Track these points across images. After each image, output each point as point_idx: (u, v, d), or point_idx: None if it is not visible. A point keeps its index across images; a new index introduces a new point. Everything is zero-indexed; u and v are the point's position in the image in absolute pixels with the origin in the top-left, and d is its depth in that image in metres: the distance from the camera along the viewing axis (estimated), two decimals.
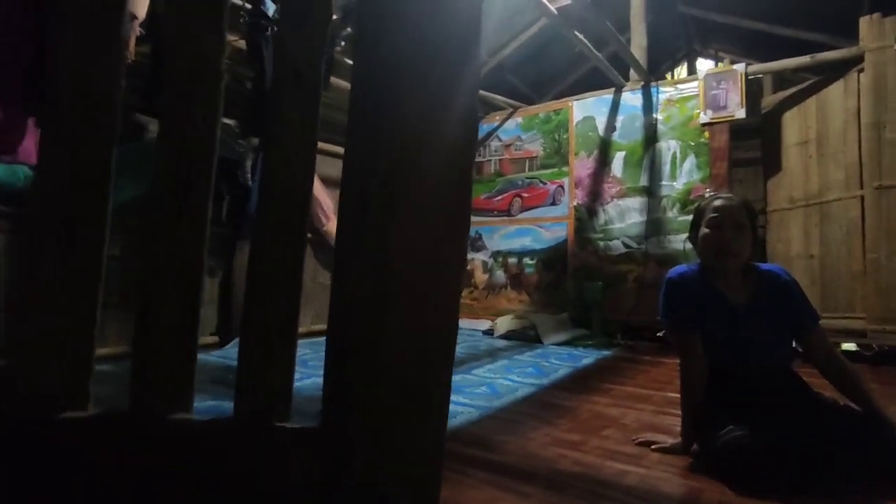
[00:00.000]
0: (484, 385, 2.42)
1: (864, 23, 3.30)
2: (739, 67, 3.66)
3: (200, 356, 2.24)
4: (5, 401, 0.52)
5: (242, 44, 2.96)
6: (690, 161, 3.84)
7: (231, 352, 3.12)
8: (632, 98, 4.15)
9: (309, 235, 3.79)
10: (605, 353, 3.47)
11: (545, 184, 4.57)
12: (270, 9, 3.00)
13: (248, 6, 2.82)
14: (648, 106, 4.05)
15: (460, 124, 0.59)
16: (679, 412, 1.86)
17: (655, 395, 2.31)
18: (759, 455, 1.27)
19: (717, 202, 1.54)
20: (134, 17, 1.99)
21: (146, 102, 2.66)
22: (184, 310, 0.59)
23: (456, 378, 2.55)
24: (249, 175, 3.45)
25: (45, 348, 0.49)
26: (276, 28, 3.01)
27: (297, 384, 2.47)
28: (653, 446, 1.58)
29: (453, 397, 2.16)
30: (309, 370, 2.62)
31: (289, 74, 0.53)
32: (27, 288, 0.51)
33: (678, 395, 1.94)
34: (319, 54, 0.55)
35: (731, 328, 1.51)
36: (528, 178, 4.69)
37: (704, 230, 1.54)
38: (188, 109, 0.52)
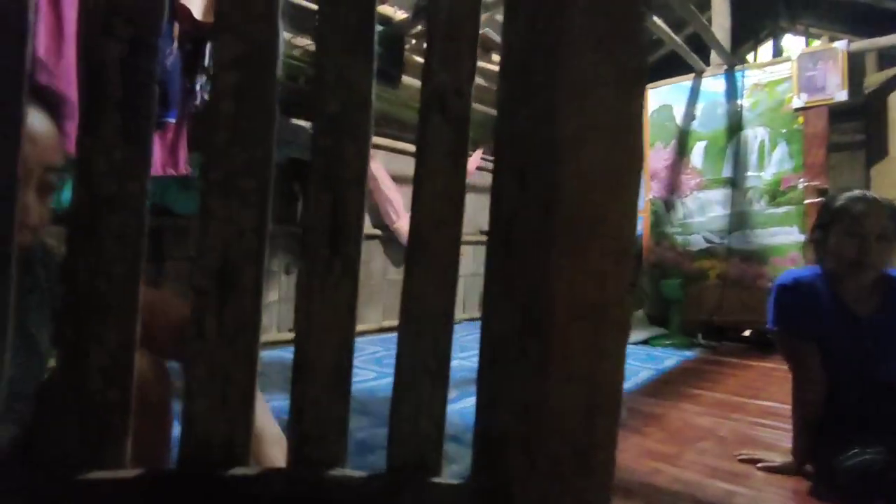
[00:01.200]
0: None
1: None
2: (840, 45, 3.34)
3: (279, 352, 2.30)
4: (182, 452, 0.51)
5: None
6: (781, 149, 3.56)
7: None
8: (713, 84, 3.90)
9: (379, 232, 3.86)
10: (687, 354, 3.31)
11: None
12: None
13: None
14: (732, 92, 3.78)
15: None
16: (783, 426, 1.74)
17: (750, 403, 2.17)
18: (890, 482, 1.15)
19: (860, 207, 1.35)
20: None
21: None
22: (340, 359, 0.54)
23: None
24: None
25: (213, 401, 0.49)
26: None
27: (373, 383, 2.51)
28: (759, 464, 1.47)
29: None
30: (384, 369, 2.65)
31: (435, 102, 0.50)
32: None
33: (774, 404, 1.81)
34: (469, 80, 0.51)
35: (854, 341, 1.37)
36: None
37: (842, 237, 1.36)
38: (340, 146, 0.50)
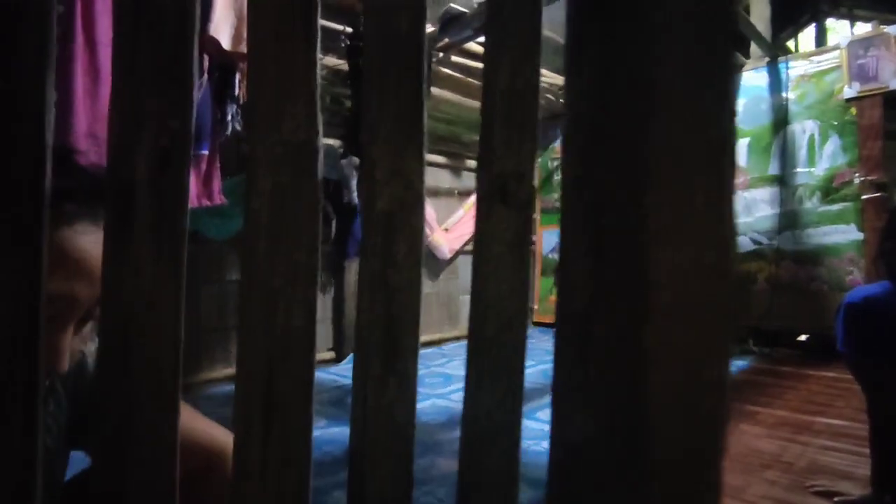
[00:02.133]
0: None
1: None
2: (893, 30, 3.13)
3: (318, 373, 2.28)
4: None
5: (343, 66, 3.02)
6: (833, 142, 3.35)
7: (346, 368, 3.21)
8: (755, 77, 3.71)
9: None
10: (740, 363, 3.14)
11: None
12: None
13: (349, 30, 2.86)
14: (777, 84, 3.59)
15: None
16: (856, 449, 1.61)
17: (815, 421, 2.02)
18: None
19: None
20: None
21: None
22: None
23: None
24: (355, 194, 3.53)
25: None
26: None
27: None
28: (836, 499, 1.35)
29: None
30: (424, 389, 2.60)
31: (496, 191, 0.45)
32: None
33: (844, 423, 1.68)
34: (532, 161, 0.45)
35: None
36: None
37: None
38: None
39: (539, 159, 5.07)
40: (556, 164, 4.97)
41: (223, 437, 0.63)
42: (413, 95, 0.46)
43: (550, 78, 4.30)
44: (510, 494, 0.46)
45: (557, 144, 4.94)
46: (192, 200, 2.02)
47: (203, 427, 0.65)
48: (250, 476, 0.43)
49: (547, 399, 2.25)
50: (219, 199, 2.04)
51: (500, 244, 0.43)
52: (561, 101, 4.64)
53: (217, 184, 2.04)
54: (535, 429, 1.95)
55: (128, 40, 0.43)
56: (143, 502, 0.42)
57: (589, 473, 0.42)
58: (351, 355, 2.65)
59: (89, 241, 0.49)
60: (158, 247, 0.42)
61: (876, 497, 1.31)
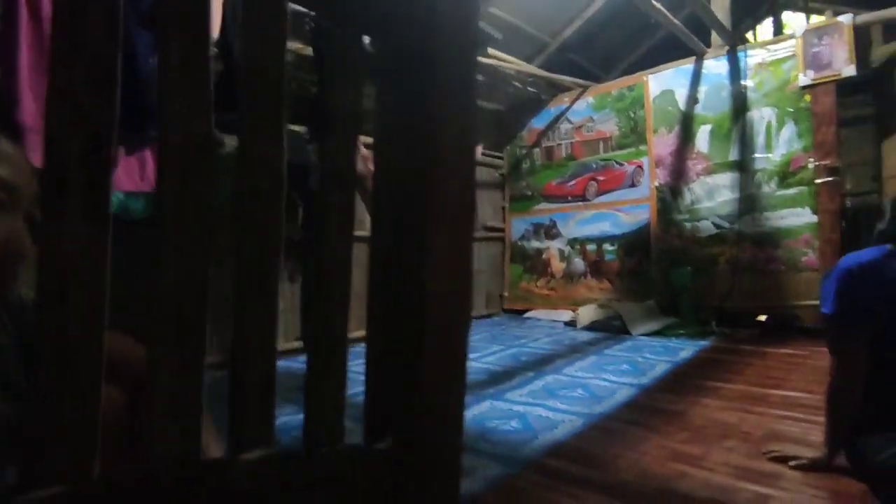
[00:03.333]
0: (579, 387, 2.30)
1: None
2: (845, 19, 3.24)
3: (286, 362, 2.24)
4: None
5: (307, 50, 2.96)
6: (789, 129, 3.47)
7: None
8: (715, 65, 3.80)
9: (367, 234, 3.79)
10: (702, 343, 3.23)
11: (622, 165, 4.31)
12: None
13: (313, 13, 2.80)
14: (736, 72, 3.69)
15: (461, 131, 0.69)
16: (810, 418, 1.68)
17: (772, 394, 2.10)
18: None
19: None
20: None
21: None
22: (266, 372, 0.66)
23: (547, 379, 2.44)
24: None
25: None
26: None
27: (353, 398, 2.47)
28: (791, 462, 1.40)
29: (550, 403, 2.06)
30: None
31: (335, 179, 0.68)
32: None
33: (799, 394, 1.71)
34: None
35: None
36: (602, 160, 4.45)
37: None
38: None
39: (507, 147, 5.10)
40: (523, 152, 5.00)
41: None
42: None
43: (518, 66, 4.32)
44: None
45: (525, 132, 4.97)
46: (127, 184, 1.98)
47: (134, 344, 0.77)
48: None
49: (516, 381, 2.24)
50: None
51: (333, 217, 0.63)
52: (528, 88, 4.67)
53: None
54: (504, 409, 1.97)
55: (64, 36, 0.52)
56: (76, 413, 0.52)
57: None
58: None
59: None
60: (87, 210, 0.53)
61: (828, 458, 1.36)
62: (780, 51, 3.52)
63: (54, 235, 0.51)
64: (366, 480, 0.67)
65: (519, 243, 5.00)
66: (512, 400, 2.11)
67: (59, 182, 0.51)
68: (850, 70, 3.21)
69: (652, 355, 2.92)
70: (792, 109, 3.46)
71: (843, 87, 3.61)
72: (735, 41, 3.77)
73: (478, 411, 1.95)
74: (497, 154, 5.06)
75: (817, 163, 3.33)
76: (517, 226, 5.03)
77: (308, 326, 3.74)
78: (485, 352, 3.12)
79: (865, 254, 1.33)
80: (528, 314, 4.68)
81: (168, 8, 0.57)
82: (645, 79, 4.20)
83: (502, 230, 5.09)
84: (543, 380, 2.44)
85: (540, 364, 2.78)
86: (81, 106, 0.51)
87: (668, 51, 4.35)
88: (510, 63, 4.20)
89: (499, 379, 2.46)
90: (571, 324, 4.09)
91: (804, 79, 3.36)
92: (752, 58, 3.64)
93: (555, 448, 1.61)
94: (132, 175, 2.40)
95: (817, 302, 3.47)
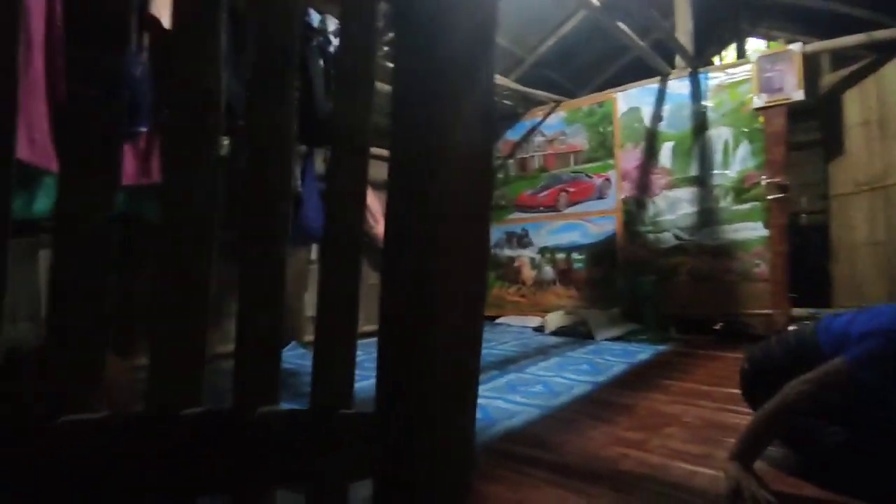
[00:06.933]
0: (539, 384, 2.42)
1: None
2: (795, 47, 3.49)
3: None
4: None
5: None
6: (744, 148, 3.70)
7: (288, 354, 3.24)
8: (679, 86, 4.03)
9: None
10: (661, 347, 3.40)
11: (591, 178, 4.50)
12: (315, 20, 3.10)
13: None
14: (697, 93, 3.92)
15: (483, 129, 0.74)
16: (746, 410, 1.80)
17: (715, 391, 2.25)
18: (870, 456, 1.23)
19: None
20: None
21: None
22: (272, 322, 0.75)
23: (510, 377, 2.56)
24: (299, 181, 3.56)
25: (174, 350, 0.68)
26: (321, 39, 3.10)
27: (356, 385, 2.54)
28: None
29: (510, 396, 2.18)
30: (364, 372, 2.68)
31: (345, 139, 0.74)
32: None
33: (738, 392, 1.78)
34: (367, 121, 0.76)
35: None
36: (573, 172, 4.63)
37: None
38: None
39: None
40: (498, 162, 5.16)
41: None
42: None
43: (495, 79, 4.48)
44: None
45: (500, 143, 5.13)
46: (131, 178, 2.03)
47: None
48: None
49: (481, 378, 2.34)
50: (157, 176, 2.05)
51: (348, 177, 0.65)
52: (504, 101, 4.84)
53: (156, 162, 2.05)
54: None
55: None
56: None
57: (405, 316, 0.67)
58: (292, 342, 2.70)
59: None
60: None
61: (742, 468, 1.26)
62: (738, 74, 3.76)
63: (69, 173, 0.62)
64: (374, 445, 0.73)
65: (492, 251, 5.14)
66: (487, 395, 2.22)
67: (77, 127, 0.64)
68: (798, 95, 3.45)
69: (612, 357, 3.06)
70: (747, 129, 3.69)
71: (796, 112, 3.88)
72: (697, 64, 4.00)
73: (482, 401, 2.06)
74: None
75: (769, 180, 3.55)
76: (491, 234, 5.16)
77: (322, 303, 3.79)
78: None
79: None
80: (498, 320, 4.81)
81: None
82: (614, 96, 4.41)
83: None
84: (506, 377, 2.56)
85: (504, 364, 2.90)
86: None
87: (638, 70, 4.57)
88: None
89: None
90: (539, 329, 4.23)
91: (758, 101, 3.60)
92: (713, 80, 3.87)
93: (509, 434, 1.73)
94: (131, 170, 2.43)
95: (768, 311, 3.63)
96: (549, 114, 4.84)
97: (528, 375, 2.60)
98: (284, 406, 2.06)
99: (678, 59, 4.10)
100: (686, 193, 3.96)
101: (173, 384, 0.69)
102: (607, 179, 4.40)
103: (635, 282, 4.12)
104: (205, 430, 0.68)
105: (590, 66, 5.73)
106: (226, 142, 3.22)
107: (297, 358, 3.00)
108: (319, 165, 3.69)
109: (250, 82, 0.73)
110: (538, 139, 4.90)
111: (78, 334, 0.65)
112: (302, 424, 0.73)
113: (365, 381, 2.56)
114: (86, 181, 0.67)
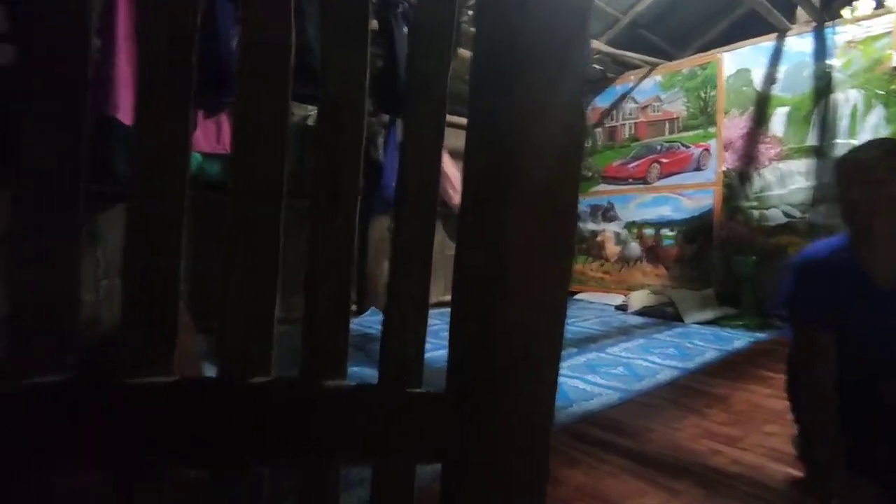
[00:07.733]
0: (620, 365, 2.29)
1: None
2: None
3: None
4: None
5: (373, 23, 3.03)
6: (877, 113, 3.20)
7: (368, 320, 3.32)
8: (799, 43, 3.55)
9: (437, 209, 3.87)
10: (759, 335, 3.11)
11: (688, 147, 4.14)
12: None
13: None
14: (822, 51, 3.44)
15: (567, 112, 0.64)
16: None
17: None
18: None
19: (872, 153, 1.09)
20: None
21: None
22: (341, 287, 0.71)
23: (589, 356, 2.45)
24: (381, 151, 3.58)
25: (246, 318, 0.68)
26: (406, 5, 3.04)
27: (428, 355, 2.56)
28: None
29: (589, 377, 2.08)
30: (440, 341, 2.68)
31: (422, 85, 0.70)
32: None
33: None
34: (446, 70, 0.71)
35: (878, 318, 1.09)
36: (667, 141, 4.29)
37: (853, 191, 1.10)
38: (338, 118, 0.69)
39: None
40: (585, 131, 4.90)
41: None
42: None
43: None
44: None
45: (588, 111, 4.85)
46: (207, 146, 2.13)
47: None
48: None
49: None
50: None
51: (424, 128, 0.60)
52: (594, 66, 4.55)
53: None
54: None
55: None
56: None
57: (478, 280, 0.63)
58: (371, 308, 2.77)
59: None
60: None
61: (826, 480, 1.11)
62: (875, 27, 3.24)
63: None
64: (444, 425, 0.69)
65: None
66: None
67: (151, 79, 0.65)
68: None
69: (702, 342, 2.84)
70: (882, 92, 3.18)
71: None
72: (823, 17, 3.50)
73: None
74: None
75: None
76: None
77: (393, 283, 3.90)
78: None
79: (824, 244, 1.18)
80: (578, 296, 4.64)
81: None
82: (719, 56, 3.99)
83: None
84: (585, 356, 2.45)
85: (584, 342, 2.78)
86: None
87: (748, 28, 4.09)
88: None
89: None
90: (622, 308, 4.02)
91: None
92: (842, 35, 3.37)
93: (587, 416, 1.64)
94: (209, 138, 2.59)
95: None
96: (643, 78, 4.49)
97: (609, 356, 2.47)
98: (365, 370, 2.10)
99: (799, 13, 3.61)
100: (800, 165, 3.53)
101: (243, 350, 0.68)
102: (706, 150, 4.02)
103: (734, 262, 3.77)
104: (272, 400, 0.67)
105: (692, 25, 5.22)
106: (312, 111, 3.29)
107: (377, 323, 3.07)
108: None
109: (323, 23, 0.68)
110: (630, 106, 4.58)
111: (153, 294, 0.66)
112: (368, 401, 0.70)
113: (441, 349, 2.57)
114: (163, 139, 0.67)
